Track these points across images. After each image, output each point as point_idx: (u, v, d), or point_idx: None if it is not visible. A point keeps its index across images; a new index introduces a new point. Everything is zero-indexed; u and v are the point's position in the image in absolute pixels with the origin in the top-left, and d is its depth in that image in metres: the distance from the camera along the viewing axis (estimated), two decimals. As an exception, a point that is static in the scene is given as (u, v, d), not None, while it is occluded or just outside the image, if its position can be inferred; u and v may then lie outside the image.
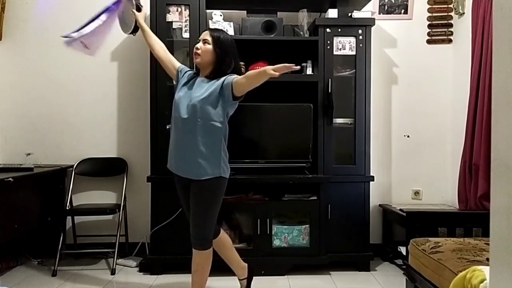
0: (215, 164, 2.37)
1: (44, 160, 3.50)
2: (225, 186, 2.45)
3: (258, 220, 3.12)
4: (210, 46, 2.42)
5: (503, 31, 0.91)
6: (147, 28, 2.71)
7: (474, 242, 2.36)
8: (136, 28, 2.71)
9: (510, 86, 0.89)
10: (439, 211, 3.27)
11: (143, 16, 2.71)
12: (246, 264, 2.70)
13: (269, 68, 2.24)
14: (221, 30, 2.59)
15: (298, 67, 2.28)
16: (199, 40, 2.48)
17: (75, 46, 2.66)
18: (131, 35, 2.77)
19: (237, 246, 3.10)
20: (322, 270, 3.21)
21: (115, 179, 3.57)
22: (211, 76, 2.44)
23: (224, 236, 2.65)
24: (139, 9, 2.70)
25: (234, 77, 2.36)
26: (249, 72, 2.38)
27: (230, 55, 2.45)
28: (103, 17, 2.73)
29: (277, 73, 2.22)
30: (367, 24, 3.26)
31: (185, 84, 2.49)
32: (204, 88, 2.39)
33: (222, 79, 2.38)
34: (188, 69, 2.63)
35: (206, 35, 2.46)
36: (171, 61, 2.64)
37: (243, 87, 2.34)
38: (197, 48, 2.44)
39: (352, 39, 3.27)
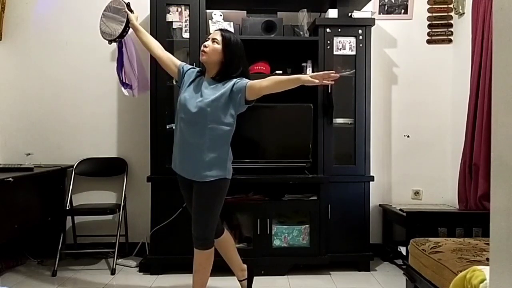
0: (221, 167, 2.37)
1: (44, 160, 3.50)
2: (227, 186, 2.45)
3: (258, 220, 3.12)
4: (218, 46, 2.39)
5: (503, 31, 0.91)
6: (141, 28, 2.65)
7: (474, 242, 2.36)
8: (125, 31, 2.67)
9: (510, 86, 0.89)
10: (439, 211, 3.27)
11: (136, 17, 2.67)
12: (246, 266, 2.70)
13: (305, 76, 2.23)
14: (232, 32, 2.56)
15: (338, 75, 2.25)
16: (208, 39, 2.45)
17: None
18: (117, 40, 2.73)
19: (237, 246, 3.09)
20: (322, 270, 3.21)
21: (115, 179, 3.57)
22: (218, 78, 2.41)
23: (227, 236, 2.65)
24: (131, 9, 2.67)
25: (247, 81, 2.36)
26: (275, 77, 2.38)
27: (238, 58, 2.42)
28: (125, 61, 2.89)
29: (316, 80, 2.22)
30: (367, 24, 3.26)
31: (190, 84, 2.45)
32: (212, 91, 2.37)
33: (232, 82, 2.36)
34: (191, 66, 2.60)
35: (216, 34, 2.44)
36: (171, 59, 2.60)
37: (261, 91, 2.32)
38: (205, 46, 2.41)
39: (352, 39, 3.27)
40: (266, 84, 2.31)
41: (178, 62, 2.59)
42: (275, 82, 2.32)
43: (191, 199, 2.44)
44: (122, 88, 3.05)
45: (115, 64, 2.94)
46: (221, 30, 2.51)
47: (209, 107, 2.32)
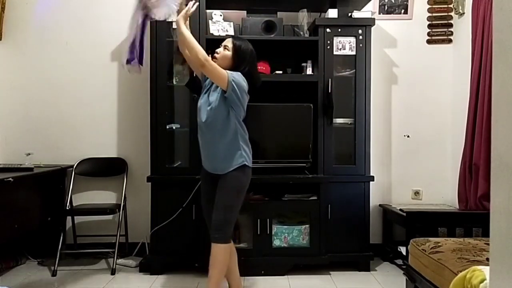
0: (237, 155, 2.48)
1: (44, 160, 3.49)
2: (249, 174, 2.54)
3: (258, 220, 3.12)
4: (229, 53, 2.52)
5: (503, 31, 0.91)
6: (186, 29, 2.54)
7: (474, 242, 2.36)
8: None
9: (510, 86, 0.89)
10: (439, 211, 3.27)
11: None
12: None
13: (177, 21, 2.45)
14: (244, 39, 2.62)
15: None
16: (221, 45, 2.56)
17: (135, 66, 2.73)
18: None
19: (237, 246, 3.10)
20: (322, 270, 3.21)
21: (115, 179, 3.57)
22: None
23: (233, 247, 2.67)
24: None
25: None
26: None
27: (246, 63, 2.52)
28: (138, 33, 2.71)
29: (184, 13, 2.44)
30: (367, 24, 3.26)
31: (207, 91, 2.56)
32: (215, 94, 2.49)
33: None
34: None
35: (228, 41, 2.55)
36: None
37: (201, 70, 2.45)
38: (216, 53, 2.54)
39: (352, 39, 3.26)
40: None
41: None
42: (187, 48, 2.47)
43: (209, 193, 2.56)
44: (126, 63, 2.75)
45: (133, 38, 2.67)
46: (233, 37, 2.61)
47: (214, 106, 2.45)
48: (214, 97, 2.48)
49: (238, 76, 2.43)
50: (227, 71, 2.43)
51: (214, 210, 2.47)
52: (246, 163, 2.50)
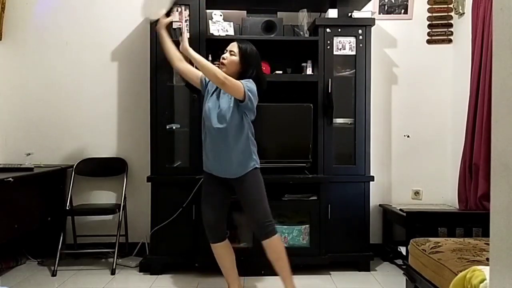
0: (249, 159, 2.55)
1: (44, 160, 3.49)
2: (260, 173, 2.61)
3: (258, 220, 3.12)
4: (236, 58, 2.53)
5: (503, 31, 0.91)
6: (167, 39, 2.67)
7: (474, 242, 2.36)
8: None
9: (510, 86, 0.89)
10: (439, 211, 3.27)
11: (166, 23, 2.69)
12: None
13: (183, 46, 2.51)
14: (248, 42, 2.63)
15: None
16: (226, 51, 2.57)
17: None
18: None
19: (237, 246, 3.10)
20: (322, 270, 3.21)
21: (115, 179, 3.57)
22: None
23: (229, 246, 2.71)
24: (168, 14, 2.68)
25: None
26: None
27: (253, 67, 2.55)
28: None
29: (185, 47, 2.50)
30: (367, 24, 3.26)
31: (213, 94, 2.57)
32: (226, 98, 2.51)
33: None
34: None
35: (233, 46, 2.56)
36: (192, 71, 2.65)
37: (221, 87, 2.45)
38: (223, 58, 2.56)
39: (352, 39, 3.26)
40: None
41: (200, 74, 2.63)
42: (202, 71, 2.51)
43: (212, 194, 2.62)
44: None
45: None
46: (237, 41, 2.62)
47: (227, 113, 2.47)
48: (225, 101, 2.50)
49: (251, 84, 2.47)
50: (241, 81, 2.45)
51: (250, 211, 2.55)
52: (257, 166, 2.58)
